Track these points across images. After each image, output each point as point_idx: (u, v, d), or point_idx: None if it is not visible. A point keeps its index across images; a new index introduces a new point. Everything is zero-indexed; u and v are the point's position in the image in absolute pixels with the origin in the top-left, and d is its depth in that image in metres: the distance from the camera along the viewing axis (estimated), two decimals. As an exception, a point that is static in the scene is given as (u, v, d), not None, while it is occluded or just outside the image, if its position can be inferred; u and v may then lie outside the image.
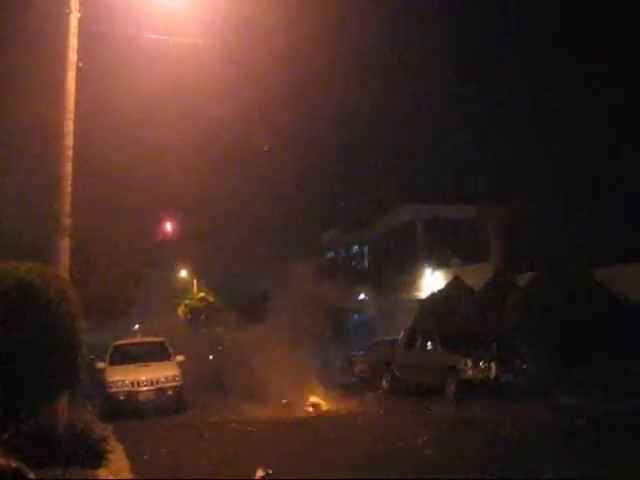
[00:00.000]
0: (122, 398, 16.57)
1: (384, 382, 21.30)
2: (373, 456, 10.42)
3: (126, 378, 16.85)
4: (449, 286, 24.67)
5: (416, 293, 30.29)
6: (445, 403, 16.61)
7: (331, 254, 38.76)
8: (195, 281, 48.01)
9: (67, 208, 11.31)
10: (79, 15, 11.58)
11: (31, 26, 13.09)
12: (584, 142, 25.33)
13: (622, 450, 10.13)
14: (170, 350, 18.94)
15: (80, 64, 11.56)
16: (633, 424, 12.34)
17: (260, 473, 8.19)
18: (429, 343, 19.91)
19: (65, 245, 11.26)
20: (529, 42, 29.29)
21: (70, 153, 11.40)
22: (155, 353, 18.69)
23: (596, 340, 16.36)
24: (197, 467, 10.01)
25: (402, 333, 21.96)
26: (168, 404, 16.61)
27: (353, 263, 35.89)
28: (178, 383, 17.11)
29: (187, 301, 44.60)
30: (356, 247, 37.75)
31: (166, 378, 17.03)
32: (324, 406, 16.42)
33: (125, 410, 16.15)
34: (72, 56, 11.51)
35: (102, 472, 8.86)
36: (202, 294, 43.85)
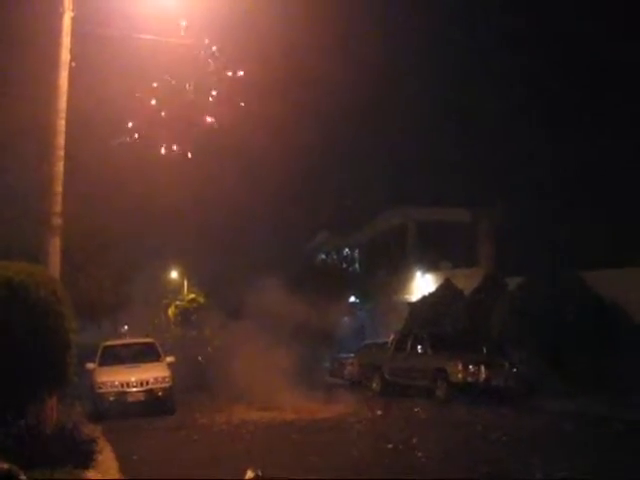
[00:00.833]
0: (112, 399, 16.50)
1: (374, 384, 21.33)
2: (362, 458, 10.44)
3: (116, 379, 16.78)
4: (440, 289, 24.73)
5: (407, 296, 30.35)
6: (435, 406, 16.65)
7: (322, 256, 38.76)
8: (185, 282, 47.91)
9: (58, 208, 11.27)
10: (72, 15, 11.55)
11: (24, 25, 13.04)
12: (578, 145, 25.50)
13: (608, 452, 10.20)
14: (160, 351, 18.88)
15: (73, 64, 11.54)
16: (620, 427, 12.42)
17: (250, 474, 8.18)
18: (419, 346, 19.96)
19: (56, 245, 11.22)
20: (524, 43, 29.44)
21: (62, 153, 11.37)
22: (145, 354, 18.62)
23: (584, 344, 16.45)
24: (186, 468, 9.99)
25: (392, 336, 22.01)
26: (158, 405, 16.55)
27: (344, 266, 35.87)
28: (168, 384, 17.06)
29: (177, 302, 44.49)
30: (347, 250, 37.76)
31: (156, 379, 16.97)
32: (314, 408, 16.41)
33: (114, 411, 16.09)
34: (65, 55, 11.48)
35: (91, 473, 8.84)
36: (193, 295, 43.75)
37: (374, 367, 21.66)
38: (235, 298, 28.01)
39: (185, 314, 41.90)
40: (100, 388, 16.59)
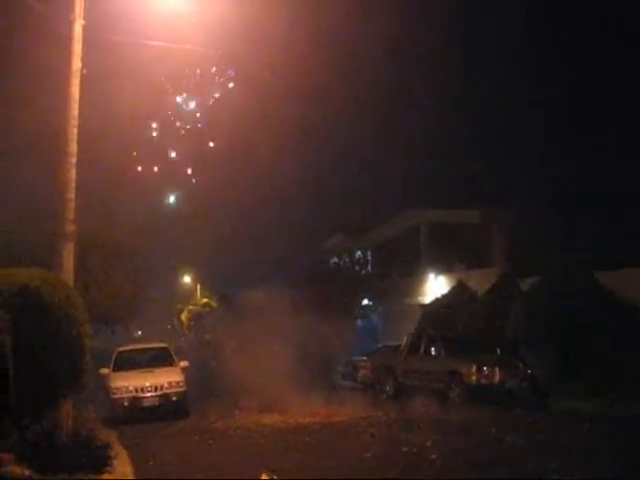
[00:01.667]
0: (126, 404, 16.58)
1: (387, 387, 21.27)
2: (376, 461, 10.42)
3: (130, 384, 16.86)
4: (453, 291, 24.63)
5: (420, 298, 30.25)
6: (449, 408, 16.58)
7: (334, 259, 38.72)
8: (198, 286, 48.07)
9: (71, 214, 11.36)
10: (83, 22, 11.65)
11: (35, 34, 13.16)
12: (591, 143, 25.32)
13: (625, 454, 10.10)
14: (174, 356, 18.96)
15: (84, 71, 11.63)
16: (637, 428, 12.31)
17: (264, 477, 8.20)
18: (433, 348, 19.88)
19: (69, 251, 11.30)
20: (537, 41, 29.27)
21: (74, 160, 11.46)
22: (159, 359, 18.72)
23: (600, 345, 16.32)
24: (201, 472, 10.00)
25: (405, 338, 21.94)
26: (172, 410, 16.62)
27: (357, 268, 35.79)
28: (182, 389, 17.12)
29: (190, 307, 44.64)
30: (359, 252, 37.70)
31: (170, 384, 17.04)
32: (327, 411, 16.39)
33: (129, 416, 16.16)
34: (76, 63, 11.58)
35: (106, 478, 8.88)
36: (205, 299, 43.86)
37: (387, 370, 21.60)
38: (248, 302, 28.05)
39: (198, 318, 42.01)
40: (114, 393, 16.68)
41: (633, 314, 17.37)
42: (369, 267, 36.75)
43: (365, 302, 33.93)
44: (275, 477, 8.23)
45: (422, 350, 20.26)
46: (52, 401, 9.44)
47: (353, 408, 16.96)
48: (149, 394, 16.80)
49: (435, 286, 29.28)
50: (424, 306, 26.91)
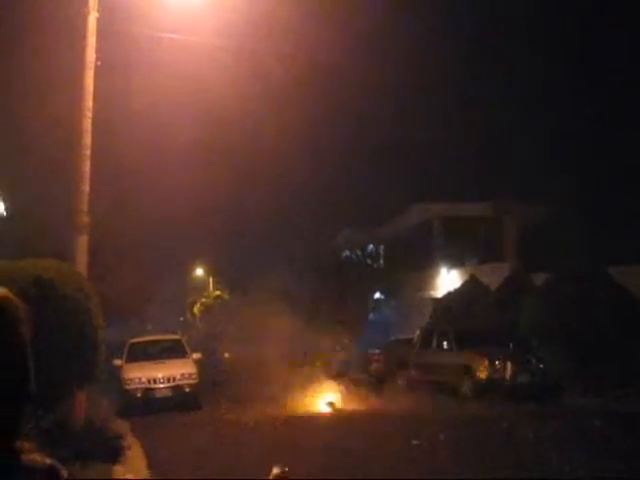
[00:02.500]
0: (139, 395, 16.67)
1: (400, 381, 21.27)
2: (388, 454, 10.44)
3: (143, 375, 16.94)
4: (465, 285, 24.57)
5: (432, 292, 30.21)
6: (461, 402, 16.57)
7: (346, 253, 38.73)
8: (211, 279, 48.22)
9: (85, 206, 11.42)
10: (97, 15, 11.67)
11: (49, 26, 13.21)
12: (604, 140, 25.15)
13: (632, 451, 10.06)
14: (187, 347, 19.04)
15: (98, 63, 11.67)
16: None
17: (276, 471, 8.22)
18: (445, 342, 19.85)
19: (83, 243, 11.36)
20: (553, 41, 29.10)
21: (88, 152, 11.51)
22: (171, 350, 18.80)
23: (613, 340, 16.25)
24: (213, 464, 10.06)
25: (418, 332, 21.92)
26: (185, 401, 16.69)
27: (369, 262, 35.79)
28: (194, 380, 17.19)
29: (203, 299, 44.81)
30: (371, 246, 37.67)
31: (182, 375, 17.12)
32: (340, 405, 16.44)
33: (142, 407, 16.25)
34: (90, 55, 11.61)
35: (119, 468, 8.95)
36: (218, 292, 44.01)
37: (400, 363, 21.59)
38: (260, 296, 28.15)
39: (211, 311, 42.18)
40: (128, 384, 16.77)
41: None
42: (381, 261, 36.74)
43: (377, 296, 33.94)
44: (287, 470, 8.26)
45: (434, 344, 20.24)
46: (66, 391, 9.52)
47: (365, 401, 16.99)
48: (162, 385, 16.89)
49: (447, 280, 29.24)
50: (436, 300, 26.88)
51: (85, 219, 11.41)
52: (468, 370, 17.85)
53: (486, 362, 17.50)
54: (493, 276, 23.30)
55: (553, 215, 25.01)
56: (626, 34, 25.76)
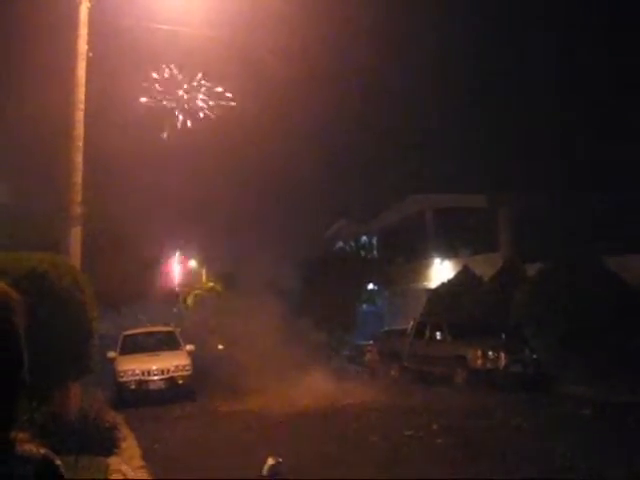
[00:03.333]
0: (133, 387, 16.68)
1: (393, 372, 21.35)
2: (381, 445, 10.48)
3: (137, 367, 16.95)
4: (458, 276, 24.63)
5: (425, 283, 30.28)
6: (454, 393, 16.64)
7: (340, 244, 38.78)
8: (204, 271, 48.16)
9: (78, 198, 11.38)
10: (89, 5, 11.60)
11: (41, 17, 13.12)
12: (598, 130, 25.19)
13: (628, 440, 10.14)
14: (180, 339, 19.04)
15: (90, 54, 11.61)
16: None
17: (271, 461, 8.25)
18: (438, 333, 19.92)
19: (76, 235, 11.33)
20: (543, 27, 29.08)
21: (80, 143, 11.46)
22: (165, 342, 18.81)
23: (605, 330, 16.33)
24: (207, 455, 10.08)
25: (411, 323, 21.98)
26: (179, 393, 16.71)
27: (362, 253, 35.83)
28: (188, 372, 17.21)
29: (196, 291, 44.75)
30: (365, 237, 37.72)
31: (176, 367, 17.13)
32: (333, 396, 16.46)
33: (136, 399, 16.26)
34: (82, 46, 11.55)
35: (114, 460, 8.96)
36: (211, 284, 43.96)
37: (393, 354, 21.68)
38: (253, 287, 28.13)
39: (204, 302, 42.12)
40: (121, 376, 16.77)
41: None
42: (375, 252, 36.79)
43: (371, 287, 33.99)
44: (281, 460, 8.28)
45: (428, 335, 20.31)
46: (60, 383, 9.51)
47: (358, 392, 17.02)
48: (156, 377, 16.90)
49: (441, 271, 29.29)
50: (430, 291, 26.94)
51: (78, 210, 11.38)
52: (462, 360, 17.92)
53: (479, 352, 17.57)
54: (486, 267, 23.36)
55: (547, 205, 25.07)
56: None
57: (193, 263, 51.07)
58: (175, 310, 49.85)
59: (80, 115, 11.48)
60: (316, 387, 16.92)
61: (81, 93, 11.51)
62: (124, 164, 17.91)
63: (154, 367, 16.99)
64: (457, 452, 9.78)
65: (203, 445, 11.02)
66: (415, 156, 33.44)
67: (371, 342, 25.10)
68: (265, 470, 8.14)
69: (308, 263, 31.21)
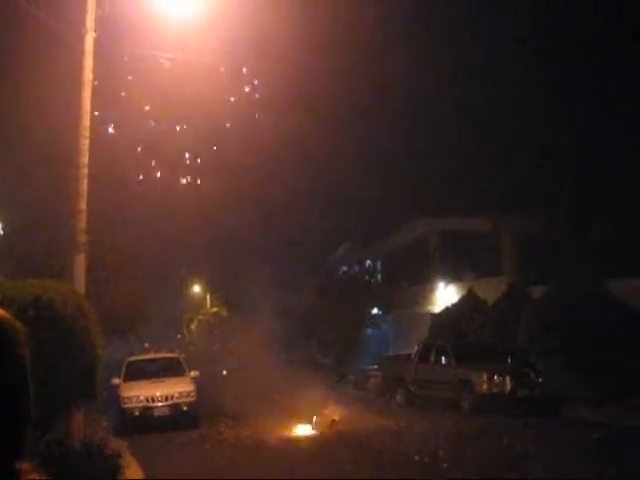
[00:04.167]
0: (137, 414, 16.61)
1: (398, 397, 21.22)
2: (389, 471, 10.40)
3: (141, 394, 16.90)
4: (463, 300, 24.59)
5: (430, 307, 30.21)
6: (460, 417, 16.52)
7: (344, 268, 38.77)
8: (208, 296, 48.09)
9: (83, 225, 11.44)
10: (95, 35, 11.77)
11: (47, 47, 13.29)
12: (601, 153, 25.23)
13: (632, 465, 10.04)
14: (185, 365, 19.00)
15: (96, 83, 11.75)
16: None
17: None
18: (443, 357, 19.83)
19: (81, 262, 11.38)
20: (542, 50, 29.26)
21: (85, 171, 11.56)
22: (169, 369, 18.76)
23: (612, 353, 16.24)
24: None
25: (416, 347, 21.90)
26: (183, 419, 16.63)
27: (366, 278, 35.81)
28: (193, 399, 17.14)
29: (200, 316, 44.66)
30: (369, 262, 37.71)
31: (181, 394, 17.07)
32: (338, 422, 16.35)
33: (140, 425, 16.18)
34: (87, 75, 11.69)
35: (118, 487, 8.91)
36: (216, 309, 43.87)
37: (398, 379, 21.56)
38: (258, 312, 28.12)
39: (208, 328, 42.03)
40: (125, 403, 16.72)
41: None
42: (379, 276, 36.76)
43: (375, 311, 33.92)
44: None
45: (433, 359, 20.21)
46: (64, 411, 9.49)
47: (364, 418, 16.91)
48: (160, 404, 16.83)
49: (445, 295, 29.24)
50: (434, 315, 26.88)
51: (83, 237, 11.44)
52: (467, 385, 17.82)
53: (485, 376, 17.48)
54: (491, 290, 23.32)
55: (551, 228, 25.07)
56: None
57: (197, 288, 51.02)
58: (179, 336, 49.74)
59: (85, 143, 11.58)
60: (321, 413, 16.80)
61: (86, 121, 11.63)
62: (130, 189, 18.00)
63: (158, 393, 16.94)
64: (464, 476, 9.70)
65: (207, 472, 10.95)
66: (421, 179, 33.50)
67: (376, 366, 25.00)
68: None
69: (312, 288, 31.21)
